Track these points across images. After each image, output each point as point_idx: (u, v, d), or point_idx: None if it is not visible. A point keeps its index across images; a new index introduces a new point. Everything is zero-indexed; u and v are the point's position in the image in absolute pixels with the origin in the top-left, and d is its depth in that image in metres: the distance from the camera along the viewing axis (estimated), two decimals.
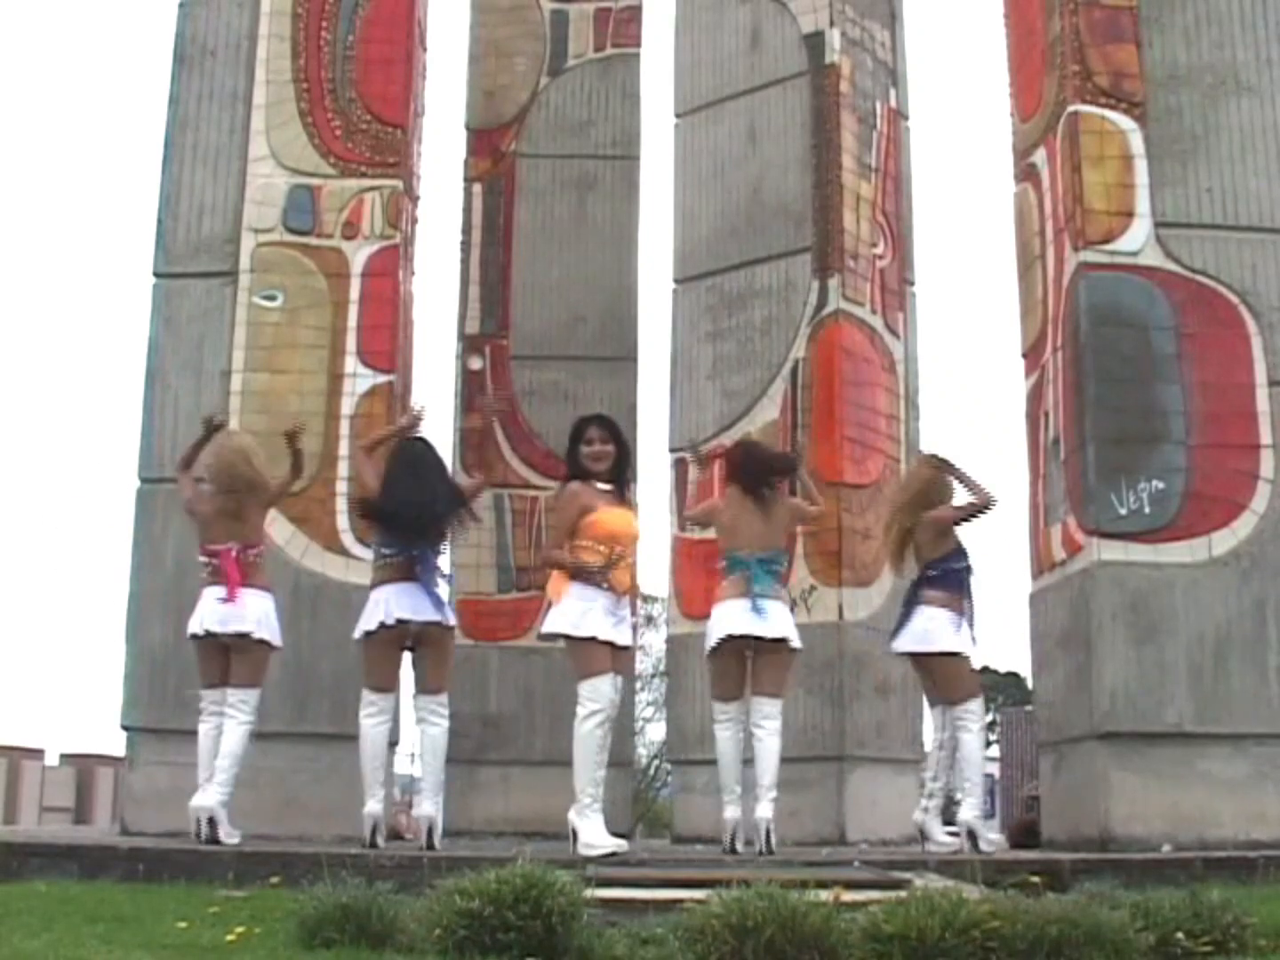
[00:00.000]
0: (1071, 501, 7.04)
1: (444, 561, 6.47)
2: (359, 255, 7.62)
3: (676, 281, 9.53)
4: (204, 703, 6.47)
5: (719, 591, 6.43)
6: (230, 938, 3.93)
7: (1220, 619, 6.73)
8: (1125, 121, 7.19)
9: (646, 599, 21.16)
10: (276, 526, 7.08)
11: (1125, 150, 7.15)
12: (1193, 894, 4.05)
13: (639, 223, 10.12)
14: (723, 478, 6.91)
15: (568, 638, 5.98)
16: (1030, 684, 10.12)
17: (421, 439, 6.62)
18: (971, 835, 6.39)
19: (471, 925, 3.62)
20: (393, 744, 6.63)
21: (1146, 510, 6.78)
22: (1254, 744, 6.62)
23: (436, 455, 6.49)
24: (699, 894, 3.92)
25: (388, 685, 6.28)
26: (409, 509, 6.19)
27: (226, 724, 6.34)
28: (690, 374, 9.28)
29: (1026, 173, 7.85)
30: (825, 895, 3.77)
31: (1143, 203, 7.09)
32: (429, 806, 6.14)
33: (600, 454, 6.16)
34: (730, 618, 6.30)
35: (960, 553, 6.69)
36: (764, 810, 6.16)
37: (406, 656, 6.38)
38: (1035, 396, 7.68)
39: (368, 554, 6.85)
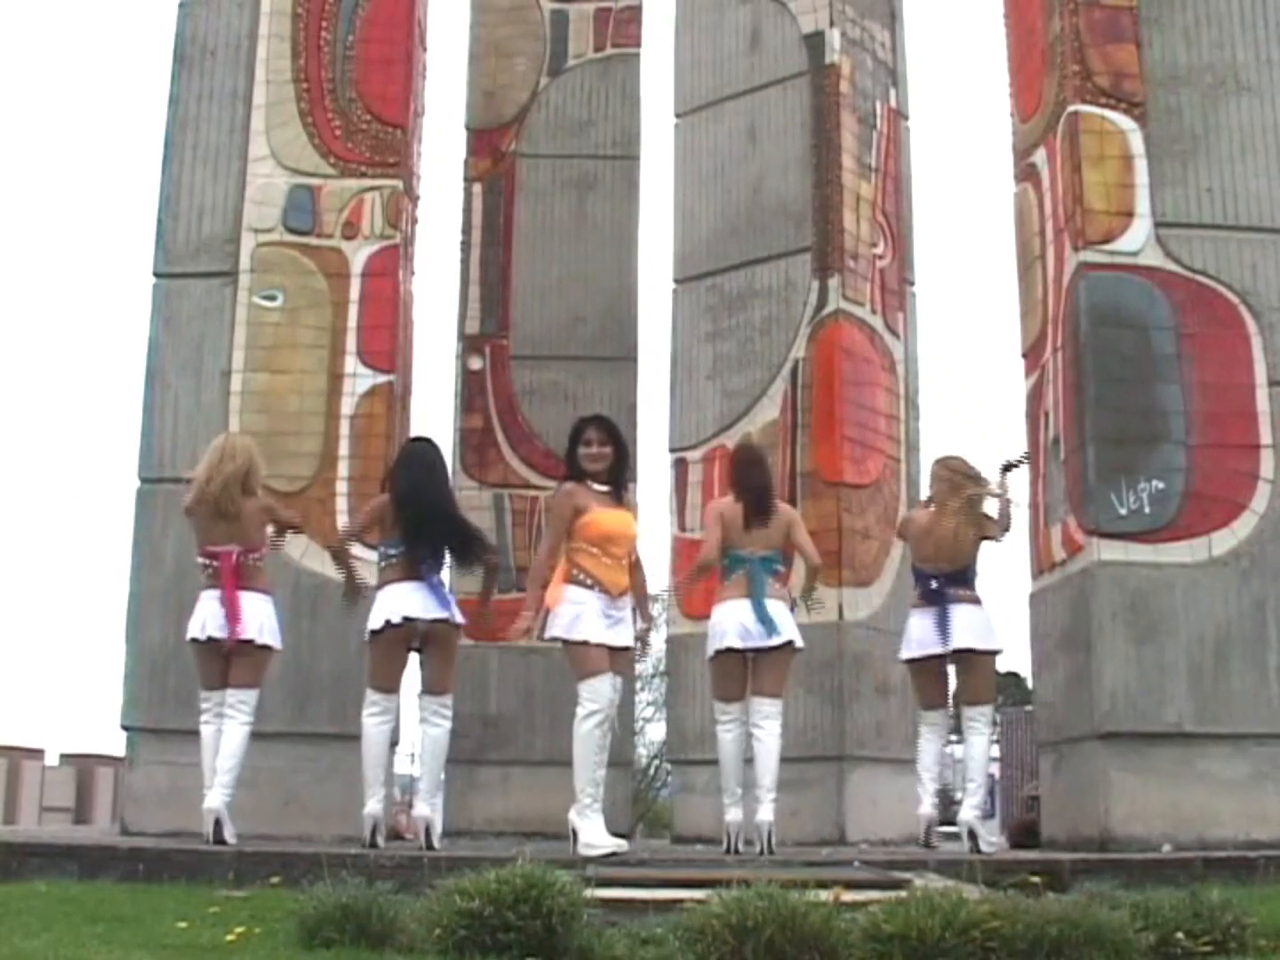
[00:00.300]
0: (1071, 501, 7.03)
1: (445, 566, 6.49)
2: (359, 255, 7.62)
3: (676, 281, 9.53)
4: (205, 705, 6.46)
5: (720, 591, 6.42)
6: (230, 938, 3.93)
7: (1220, 619, 6.73)
8: (1125, 121, 7.18)
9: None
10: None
11: (1125, 150, 7.15)
12: (1193, 894, 4.05)
13: (639, 223, 10.13)
14: (722, 482, 6.95)
15: (563, 641, 6.00)
16: (1030, 684, 10.12)
17: (427, 439, 6.65)
18: (972, 835, 6.39)
19: (471, 925, 3.62)
20: (393, 744, 6.64)
21: (1146, 510, 6.77)
22: (1254, 744, 6.62)
23: (443, 459, 6.54)
24: (699, 894, 3.93)
25: (392, 685, 6.28)
26: (420, 499, 6.23)
27: (227, 725, 6.33)
28: (690, 374, 9.28)
29: (1026, 173, 7.85)
30: (825, 895, 3.77)
31: (1143, 203, 7.09)
32: (426, 808, 6.15)
33: (598, 455, 6.17)
34: (733, 624, 6.29)
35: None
36: (765, 813, 6.17)
37: (413, 658, 6.39)
38: (1035, 396, 7.68)
39: (368, 554, 6.84)
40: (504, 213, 10.01)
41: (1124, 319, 6.97)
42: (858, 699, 8.30)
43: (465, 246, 10.02)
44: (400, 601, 6.15)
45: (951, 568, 6.61)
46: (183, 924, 4.20)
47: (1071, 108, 7.23)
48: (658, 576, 9.23)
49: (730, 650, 6.30)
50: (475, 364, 9.82)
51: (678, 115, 9.76)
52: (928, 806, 6.65)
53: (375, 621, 6.18)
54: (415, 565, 6.21)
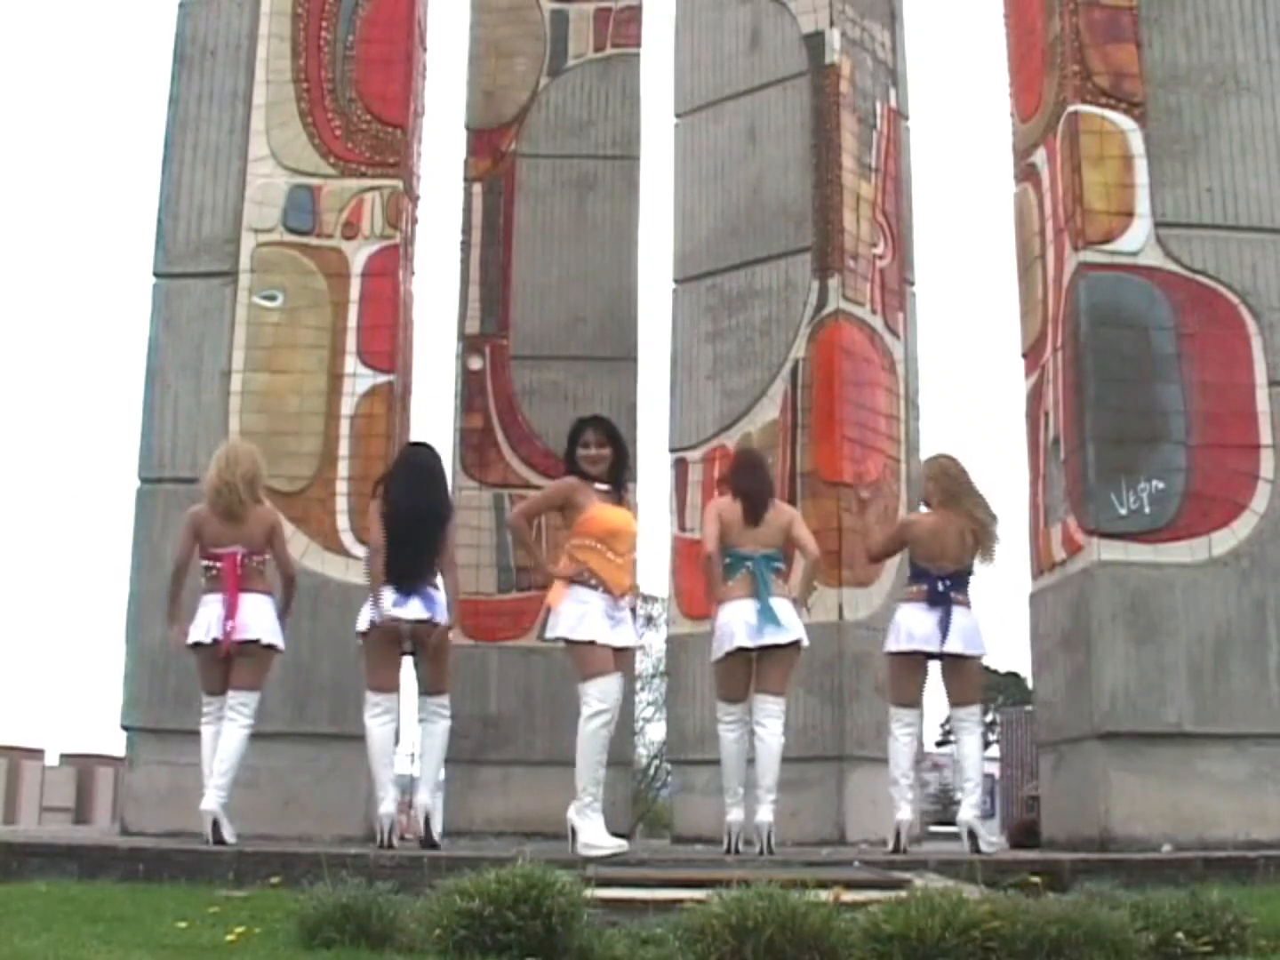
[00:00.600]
0: (1071, 501, 7.03)
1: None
2: (359, 255, 7.62)
3: (676, 281, 9.53)
4: (207, 709, 6.46)
5: (724, 590, 6.38)
6: (230, 938, 3.93)
7: (1220, 619, 6.73)
8: (1125, 121, 7.18)
9: (646, 599, 21.17)
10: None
11: (1125, 150, 7.15)
12: (1193, 894, 4.05)
13: (639, 223, 10.12)
14: (720, 484, 6.94)
15: (568, 641, 5.99)
16: (1030, 684, 10.12)
17: (423, 444, 6.68)
18: (972, 835, 6.38)
19: (471, 925, 3.62)
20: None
21: (1146, 510, 6.77)
22: (1254, 744, 6.62)
23: (441, 465, 6.59)
24: (699, 894, 3.92)
25: (389, 685, 6.30)
26: (403, 505, 6.29)
27: (226, 726, 6.32)
28: (690, 374, 9.28)
29: (1026, 173, 7.85)
30: (825, 895, 3.77)
31: (1143, 203, 7.09)
32: (425, 796, 6.21)
33: (597, 457, 6.18)
34: (740, 624, 6.28)
35: None
36: (764, 814, 6.17)
37: (407, 660, 6.42)
38: (1035, 396, 7.68)
39: (361, 550, 6.88)
40: (504, 213, 10.01)
41: (1124, 319, 6.97)
42: (858, 699, 8.29)
43: (465, 246, 10.02)
44: (386, 602, 6.21)
45: (956, 568, 6.58)
46: (183, 924, 4.20)
47: (1071, 108, 7.23)
48: (658, 576, 9.24)
49: (738, 650, 6.29)
50: (475, 364, 9.82)
51: (678, 115, 9.76)
52: (906, 811, 6.44)
53: (362, 623, 6.26)
54: (399, 569, 6.25)
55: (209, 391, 7.48)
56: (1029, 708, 16.00)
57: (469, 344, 9.86)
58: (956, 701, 6.65)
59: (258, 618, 6.40)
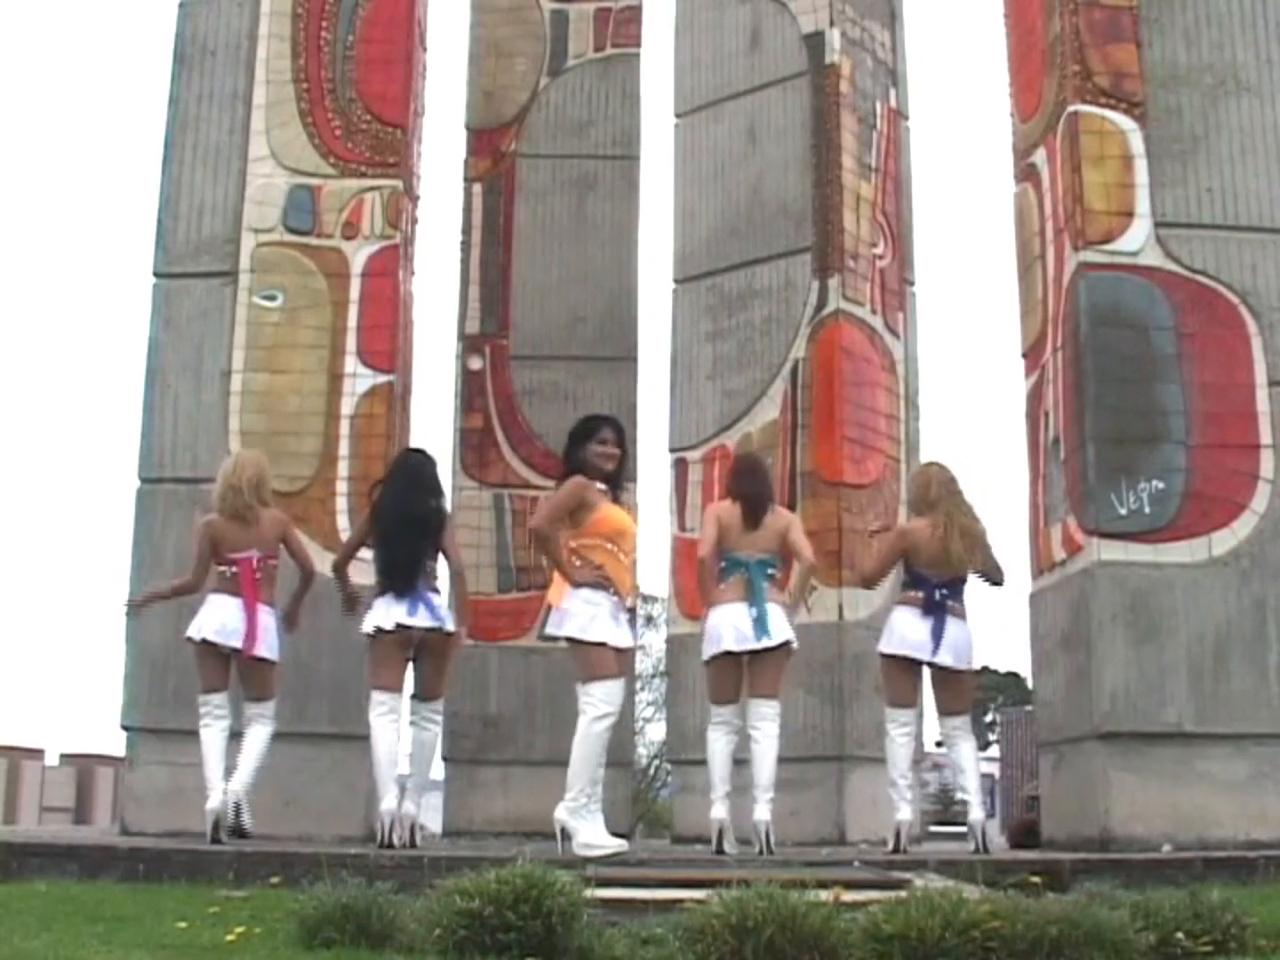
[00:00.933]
0: (1071, 501, 7.03)
1: (436, 572, 6.56)
2: (359, 255, 7.62)
3: (676, 281, 9.53)
4: (205, 707, 6.49)
5: (717, 593, 6.40)
6: (230, 938, 3.93)
7: (1220, 619, 6.73)
8: (1125, 121, 7.18)
9: (646, 599, 21.13)
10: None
11: (1125, 150, 7.15)
12: (1193, 894, 4.05)
13: (639, 223, 10.12)
14: (721, 487, 6.95)
15: (577, 641, 5.97)
16: (1030, 684, 10.12)
17: (421, 451, 6.75)
18: (983, 835, 6.39)
19: (471, 925, 3.62)
20: None
21: (1146, 510, 6.77)
22: (1254, 744, 6.61)
23: (434, 471, 6.65)
24: (699, 894, 3.92)
25: (394, 685, 6.38)
26: (392, 512, 6.41)
27: (253, 727, 6.49)
28: (690, 374, 9.28)
29: (1026, 173, 7.85)
30: (825, 895, 3.77)
31: (1143, 203, 7.09)
32: (412, 805, 6.29)
33: (611, 455, 6.21)
34: (729, 627, 6.30)
35: None
36: (762, 813, 6.17)
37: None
38: (1035, 396, 7.67)
39: (368, 554, 6.88)
40: (504, 213, 10.01)
41: (1124, 319, 6.97)
42: (858, 699, 8.29)
43: (465, 246, 10.02)
44: (391, 609, 6.28)
45: (954, 576, 6.57)
46: (183, 924, 4.20)
47: (1071, 108, 7.23)
48: (658, 576, 9.25)
49: (726, 654, 6.32)
50: (475, 364, 9.82)
51: (678, 115, 9.75)
52: (905, 811, 6.42)
53: (367, 626, 6.32)
54: (388, 573, 6.35)
55: (209, 391, 7.48)
56: (1029, 708, 15.99)
57: (469, 344, 9.87)
58: (946, 710, 6.66)
59: (268, 633, 6.52)
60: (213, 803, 6.22)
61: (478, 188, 10.08)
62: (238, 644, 6.44)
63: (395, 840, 6.06)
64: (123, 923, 4.26)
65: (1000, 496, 9.17)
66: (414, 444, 7.59)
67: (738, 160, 9.35)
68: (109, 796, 17.29)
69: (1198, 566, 6.75)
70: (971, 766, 6.59)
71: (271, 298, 7.57)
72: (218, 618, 6.48)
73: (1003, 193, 17.65)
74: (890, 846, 6.37)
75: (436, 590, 6.45)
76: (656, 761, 25.01)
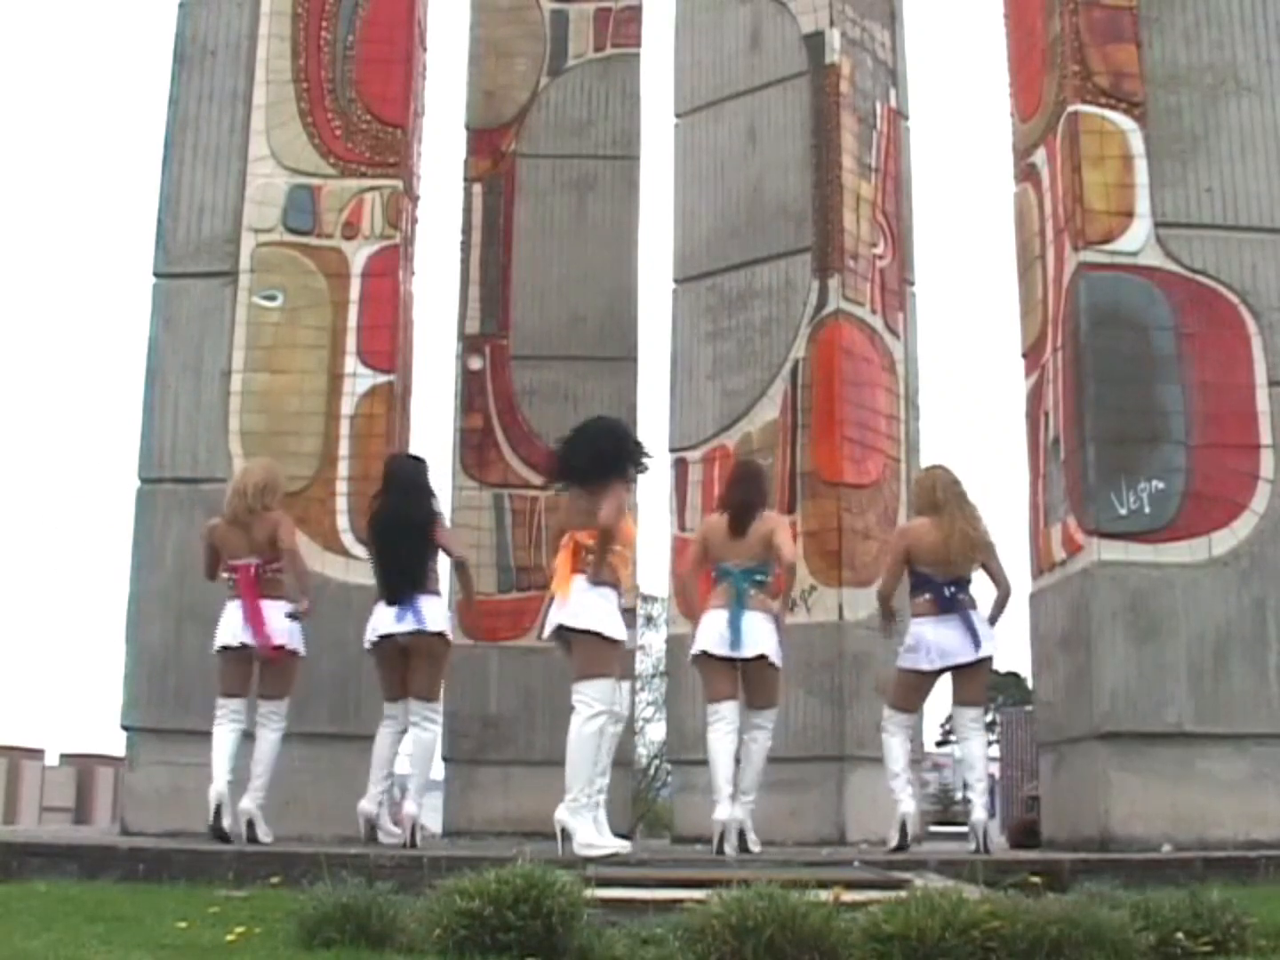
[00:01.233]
0: (1071, 501, 7.03)
1: (435, 574, 6.72)
2: (359, 255, 7.62)
3: (676, 281, 9.52)
4: (222, 710, 6.55)
5: (710, 598, 6.53)
6: (230, 938, 3.93)
7: (1220, 619, 6.73)
8: (1125, 121, 7.18)
9: (646, 599, 21.12)
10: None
11: (1125, 150, 7.15)
12: (1193, 894, 4.04)
13: (639, 223, 10.12)
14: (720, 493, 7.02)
15: (598, 636, 6.01)
16: (1030, 684, 10.11)
17: (409, 456, 6.85)
18: (985, 834, 6.40)
19: (471, 925, 3.62)
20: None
21: (1146, 510, 6.77)
22: (1254, 744, 6.61)
23: (421, 473, 6.81)
24: (699, 894, 3.92)
25: (396, 695, 6.64)
26: (382, 520, 6.66)
27: (261, 732, 6.54)
28: (690, 374, 9.27)
29: (1026, 173, 7.85)
30: (825, 895, 3.77)
31: (1143, 203, 7.09)
32: (413, 806, 6.42)
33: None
34: (710, 632, 6.43)
35: None
36: (738, 811, 6.28)
37: None
38: (1035, 396, 7.67)
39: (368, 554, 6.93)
40: (504, 213, 10.00)
41: (1124, 319, 6.97)
42: (858, 699, 8.28)
43: (465, 246, 10.01)
44: (378, 619, 6.56)
45: (961, 573, 6.59)
46: (183, 924, 4.20)
47: (1071, 108, 7.23)
48: (658, 576, 9.24)
49: (708, 655, 6.43)
50: (475, 364, 9.81)
51: (678, 115, 9.75)
52: (908, 804, 6.46)
53: (365, 641, 6.62)
54: (384, 582, 6.59)
55: (209, 391, 7.48)
56: (1029, 708, 15.98)
57: (469, 344, 9.86)
58: (963, 701, 6.66)
59: (281, 623, 6.56)
60: (217, 785, 6.32)
61: (478, 188, 10.07)
62: (248, 639, 6.50)
63: (380, 837, 6.35)
64: (123, 923, 4.26)
65: (1000, 496, 9.16)
66: (406, 449, 7.69)
67: (738, 160, 9.34)
68: (109, 796, 17.29)
69: (1198, 566, 6.75)
70: (980, 764, 6.59)
71: (271, 298, 7.56)
72: (228, 624, 6.58)
73: (1003, 193, 17.65)
74: (895, 840, 6.39)
75: (435, 593, 6.56)
76: (656, 761, 25.02)
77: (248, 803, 6.38)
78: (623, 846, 5.87)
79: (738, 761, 6.40)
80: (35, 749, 18.42)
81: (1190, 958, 3.81)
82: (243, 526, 6.61)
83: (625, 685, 6.23)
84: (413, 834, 6.31)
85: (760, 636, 6.36)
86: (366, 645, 6.61)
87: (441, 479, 9.38)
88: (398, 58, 7.90)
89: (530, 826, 8.05)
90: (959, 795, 6.90)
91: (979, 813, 6.46)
